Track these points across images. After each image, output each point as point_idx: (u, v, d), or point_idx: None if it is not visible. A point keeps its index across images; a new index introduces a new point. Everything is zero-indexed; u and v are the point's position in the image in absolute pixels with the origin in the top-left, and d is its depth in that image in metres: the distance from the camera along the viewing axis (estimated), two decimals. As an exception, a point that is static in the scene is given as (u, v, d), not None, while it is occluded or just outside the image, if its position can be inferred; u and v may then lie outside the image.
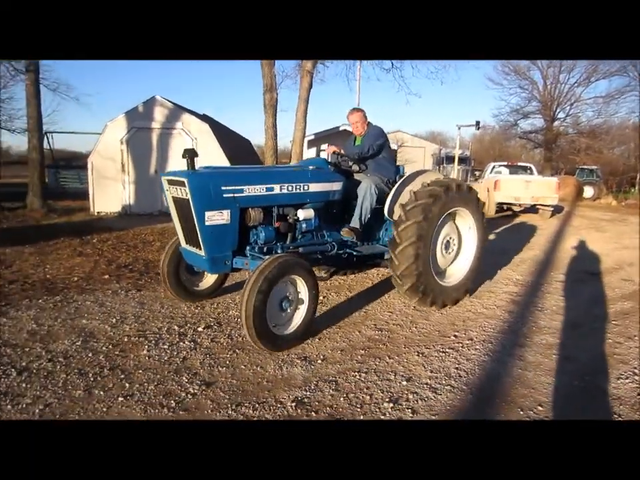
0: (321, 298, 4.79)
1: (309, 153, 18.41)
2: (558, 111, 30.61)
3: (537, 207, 13.08)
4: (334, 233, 4.41)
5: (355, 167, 4.74)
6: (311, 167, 4.34)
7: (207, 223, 3.50)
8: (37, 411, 2.57)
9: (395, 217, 4.29)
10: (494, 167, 15.48)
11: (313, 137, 19.52)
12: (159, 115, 12.06)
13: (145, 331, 3.79)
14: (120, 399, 2.74)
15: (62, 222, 9.86)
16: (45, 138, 14.76)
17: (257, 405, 2.71)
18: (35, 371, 3.06)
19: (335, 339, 3.75)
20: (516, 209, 13.53)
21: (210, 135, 12.05)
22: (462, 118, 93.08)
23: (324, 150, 4.71)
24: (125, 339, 3.61)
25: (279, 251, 3.85)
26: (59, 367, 3.12)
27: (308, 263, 3.59)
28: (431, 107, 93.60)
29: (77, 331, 3.74)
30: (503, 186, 12.79)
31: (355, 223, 4.34)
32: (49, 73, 20.02)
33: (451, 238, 4.62)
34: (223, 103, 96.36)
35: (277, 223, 3.95)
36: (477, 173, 19.25)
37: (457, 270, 4.83)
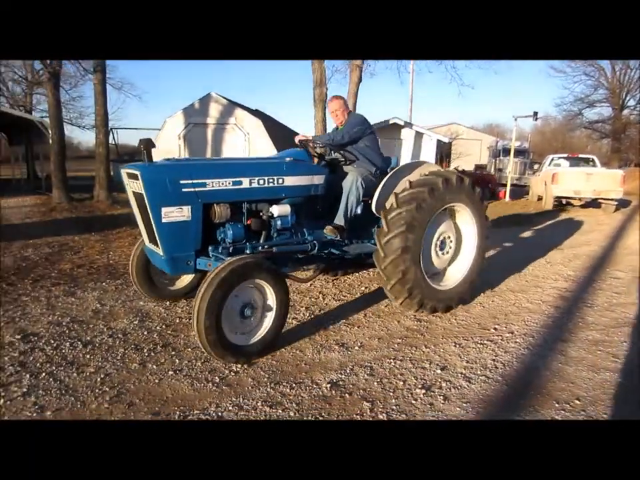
0: (362, 288, 4.89)
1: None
2: (628, 98, 28.62)
3: (600, 201, 12.38)
4: (318, 231, 4.00)
5: (337, 156, 4.30)
6: (287, 159, 3.88)
7: (164, 220, 3.19)
8: (99, 379, 2.87)
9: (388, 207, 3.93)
10: (552, 159, 14.78)
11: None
12: (214, 110, 12.55)
13: (195, 313, 4.05)
14: (170, 372, 2.99)
15: (125, 213, 10.52)
16: (111, 134, 15.70)
17: (294, 385, 2.86)
18: (97, 344, 3.39)
19: (374, 327, 3.84)
20: (576, 203, 12.87)
21: (262, 129, 12.38)
22: (522, 109, 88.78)
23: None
24: (177, 320, 3.89)
25: (247, 251, 3.48)
26: (118, 342, 3.44)
27: (274, 266, 3.23)
28: (489, 98, 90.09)
29: (135, 312, 4.07)
30: (562, 179, 12.20)
31: (339, 219, 3.98)
32: (113, 72, 21.20)
33: (448, 237, 4.20)
34: (274, 97, 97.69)
35: (248, 220, 3.62)
36: (536, 166, 18.36)
37: (453, 274, 4.38)
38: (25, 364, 3.05)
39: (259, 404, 2.64)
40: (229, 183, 3.42)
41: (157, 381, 2.89)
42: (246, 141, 12.47)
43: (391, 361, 3.23)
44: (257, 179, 3.55)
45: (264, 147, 11.92)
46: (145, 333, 3.62)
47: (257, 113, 13.86)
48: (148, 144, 3.22)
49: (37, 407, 2.55)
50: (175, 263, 3.37)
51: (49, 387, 2.76)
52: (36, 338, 3.46)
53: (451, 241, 4.27)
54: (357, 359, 3.24)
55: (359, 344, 3.50)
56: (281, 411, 2.57)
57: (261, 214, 3.68)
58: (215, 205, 3.41)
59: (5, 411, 2.50)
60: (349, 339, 3.59)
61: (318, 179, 3.92)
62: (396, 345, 3.49)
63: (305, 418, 2.51)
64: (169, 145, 12.23)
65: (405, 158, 14.68)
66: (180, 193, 3.22)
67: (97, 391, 2.74)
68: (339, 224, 3.97)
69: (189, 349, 3.33)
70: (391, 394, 2.78)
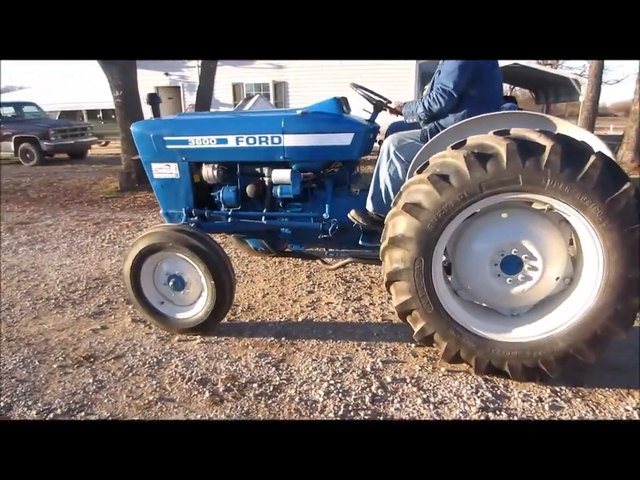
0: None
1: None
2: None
3: None
4: (343, 209, 3.03)
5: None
6: (298, 112, 3.05)
7: (155, 176, 3.30)
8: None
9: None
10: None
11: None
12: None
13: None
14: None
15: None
16: None
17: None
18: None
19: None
20: None
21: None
22: None
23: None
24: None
25: (230, 220, 3.23)
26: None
27: (206, 242, 2.85)
28: None
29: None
30: None
31: (368, 203, 2.96)
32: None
33: (525, 252, 2.36)
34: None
35: (243, 184, 3.22)
36: None
37: (542, 318, 2.44)
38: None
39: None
40: (213, 141, 3.12)
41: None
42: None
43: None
44: (245, 137, 3.07)
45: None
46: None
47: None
48: (153, 99, 3.24)
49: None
50: (171, 219, 3.37)
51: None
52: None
53: (530, 260, 2.37)
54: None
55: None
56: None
57: (260, 179, 3.23)
58: (204, 164, 3.22)
59: None
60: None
61: (342, 139, 2.99)
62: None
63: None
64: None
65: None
66: (165, 150, 3.19)
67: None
68: (368, 209, 2.96)
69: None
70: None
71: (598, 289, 2.21)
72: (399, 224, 2.34)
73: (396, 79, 14.95)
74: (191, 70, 16.60)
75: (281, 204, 3.25)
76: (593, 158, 2.07)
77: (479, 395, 2.40)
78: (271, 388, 2.46)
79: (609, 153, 2.25)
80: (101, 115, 20.99)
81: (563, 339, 2.30)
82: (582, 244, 2.33)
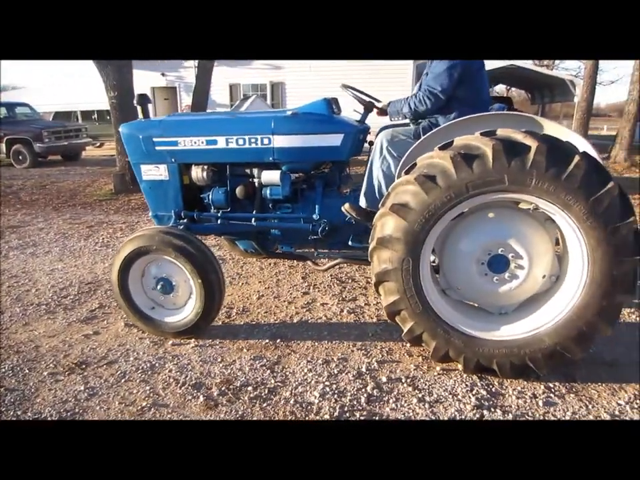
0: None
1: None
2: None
3: None
4: (334, 209, 3.05)
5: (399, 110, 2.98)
6: (288, 113, 3.03)
7: (144, 177, 3.27)
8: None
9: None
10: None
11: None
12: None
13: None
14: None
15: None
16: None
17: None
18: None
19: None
20: None
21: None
22: None
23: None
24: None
25: (220, 221, 3.22)
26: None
27: (193, 243, 2.83)
28: None
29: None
30: None
31: (361, 199, 2.98)
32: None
33: (512, 251, 2.39)
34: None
35: (233, 185, 3.20)
36: None
37: (529, 316, 2.46)
38: None
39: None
40: (202, 142, 3.11)
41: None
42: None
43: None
44: (235, 138, 3.06)
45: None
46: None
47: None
48: (142, 99, 3.21)
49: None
50: (160, 222, 3.35)
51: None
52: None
53: (515, 258, 2.40)
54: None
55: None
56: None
57: (250, 180, 3.22)
58: (193, 166, 3.20)
59: None
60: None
61: (332, 140, 3.00)
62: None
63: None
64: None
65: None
66: (154, 151, 3.18)
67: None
68: (361, 205, 2.97)
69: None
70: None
71: (583, 287, 2.24)
72: (386, 225, 2.35)
73: (393, 79, 14.93)
74: (188, 70, 16.52)
75: (270, 205, 3.24)
76: (577, 158, 2.10)
77: (474, 392, 2.41)
78: (266, 391, 2.46)
79: (593, 153, 2.28)
80: (95, 115, 20.89)
81: (550, 336, 2.32)
82: (567, 242, 2.35)
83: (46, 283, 4.06)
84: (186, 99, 16.90)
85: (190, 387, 2.50)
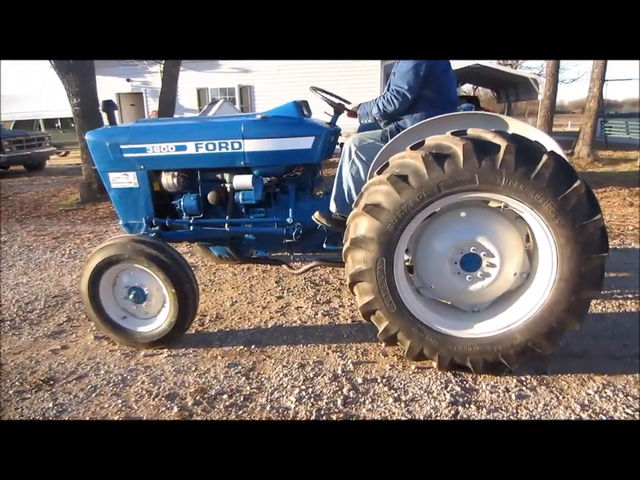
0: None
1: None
2: None
3: None
4: (307, 213, 3.04)
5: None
6: (258, 116, 3.04)
7: (112, 186, 3.20)
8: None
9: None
10: None
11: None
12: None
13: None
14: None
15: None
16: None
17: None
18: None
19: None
20: None
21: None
22: None
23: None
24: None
25: (192, 228, 3.17)
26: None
27: (165, 251, 2.79)
28: None
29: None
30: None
31: (331, 204, 2.94)
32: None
33: (483, 250, 2.42)
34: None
35: (204, 191, 3.17)
36: None
37: (501, 313, 2.50)
38: None
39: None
40: (172, 148, 3.06)
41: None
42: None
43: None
44: (205, 143, 3.03)
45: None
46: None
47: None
48: (108, 106, 3.12)
49: None
50: (131, 230, 3.28)
51: None
52: None
53: (487, 257, 2.43)
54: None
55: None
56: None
57: (222, 185, 3.19)
58: (163, 172, 3.15)
59: None
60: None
61: (303, 143, 2.99)
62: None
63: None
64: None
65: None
66: (122, 159, 3.11)
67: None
68: (332, 211, 2.95)
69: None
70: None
71: (553, 283, 2.28)
72: (360, 225, 2.35)
73: (361, 79, 15.10)
74: (154, 75, 16.27)
75: (243, 210, 3.22)
76: (545, 157, 2.14)
77: (448, 389, 2.44)
78: (242, 398, 2.42)
79: (560, 152, 2.33)
80: (59, 124, 20.29)
81: (521, 333, 2.35)
82: (537, 240, 2.39)
83: (10, 297, 3.89)
84: (153, 105, 16.68)
85: (163, 398, 2.44)
